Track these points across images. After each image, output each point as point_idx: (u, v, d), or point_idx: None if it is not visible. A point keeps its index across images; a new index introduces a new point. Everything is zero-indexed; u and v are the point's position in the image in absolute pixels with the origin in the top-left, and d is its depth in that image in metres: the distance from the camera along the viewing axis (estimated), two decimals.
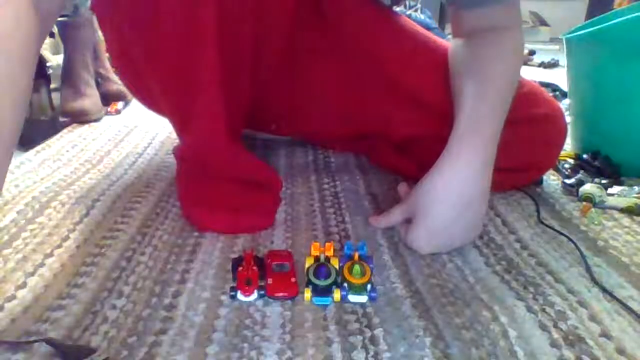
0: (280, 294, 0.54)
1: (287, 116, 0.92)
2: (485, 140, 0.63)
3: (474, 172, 0.62)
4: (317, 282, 0.54)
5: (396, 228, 0.69)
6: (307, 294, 0.54)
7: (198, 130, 0.64)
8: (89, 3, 1.26)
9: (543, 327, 0.51)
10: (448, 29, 1.03)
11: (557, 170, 0.92)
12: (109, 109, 1.31)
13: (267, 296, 0.54)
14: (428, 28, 1.16)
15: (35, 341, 0.47)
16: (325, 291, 0.54)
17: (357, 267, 0.55)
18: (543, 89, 0.85)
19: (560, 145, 0.83)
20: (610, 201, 0.78)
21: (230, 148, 0.66)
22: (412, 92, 0.79)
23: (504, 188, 0.82)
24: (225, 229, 0.68)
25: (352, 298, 0.54)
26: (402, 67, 0.80)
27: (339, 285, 0.55)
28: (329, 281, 0.54)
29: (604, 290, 0.57)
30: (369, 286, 0.54)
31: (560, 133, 0.81)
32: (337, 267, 0.56)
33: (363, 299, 0.54)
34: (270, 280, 0.55)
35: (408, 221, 0.66)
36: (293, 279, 0.55)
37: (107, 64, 1.42)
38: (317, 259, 0.57)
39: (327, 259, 0.57)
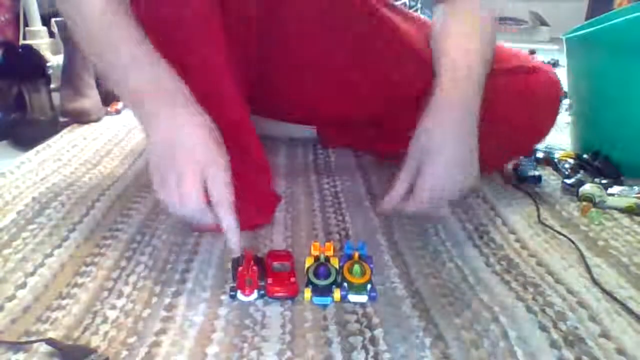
0: (280, 294, 0.54)
1: (287, 94, 0.91)
2: (473, 81, 0.65)
3: (466, 108, 0.64)
4: (317, 281, 0.54)
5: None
6: (307, 293, 0.54)
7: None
8: None
9: (543, 328, 0.51)
10: None
11: (557, 170, 0.92)
12: (109, 109, 1.31)
13: (267, 296, 0.54)
14: None
15: (35, 341, 0.47)
16: (325, 291, 0.54)
17: (357, 267, 0.55)
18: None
19: (554, 99, 0.84)
20: (610, 201, 0.78)
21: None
22: (409, 49, 0.82)
23: (509, 152, 0.84)
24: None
25: (352, 298, 0.54)
26: (396, 26, 0.83)
27: (339, 285, 0.55)
28: (329, 281, 0.54)
29: (604, 290, 0.57)
30: (368, 286, 0.54)
31: (552, 85, 0.83)
32: (337, 266, 0.56)
33: (363, 298, 0.54)
34: (270, 280, 0.55)
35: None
36: (293, 279, 0.55)
37: None
38: (317, 258, 0.57)
39: (327, 258, 0.57)
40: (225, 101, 0.65)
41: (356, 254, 0.57)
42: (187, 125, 0.56)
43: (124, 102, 0.63)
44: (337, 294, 0.54)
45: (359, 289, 0.54)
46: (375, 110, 0.88)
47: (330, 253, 0.58)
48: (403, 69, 0.82)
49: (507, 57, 0.83)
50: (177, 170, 0.54)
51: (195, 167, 0.54)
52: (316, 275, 0.55)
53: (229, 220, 0.55)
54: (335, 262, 0.57)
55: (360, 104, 0.88)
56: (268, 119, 1.05)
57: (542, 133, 0.87)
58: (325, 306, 0.54)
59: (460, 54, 0.68)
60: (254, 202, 0.70)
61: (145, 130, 0.58)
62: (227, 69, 0.65)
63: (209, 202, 0.55)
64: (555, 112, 0.85)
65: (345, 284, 0.54)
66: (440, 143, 0.61)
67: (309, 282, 0.55)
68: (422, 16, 0.92)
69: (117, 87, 0.61)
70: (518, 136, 0.82)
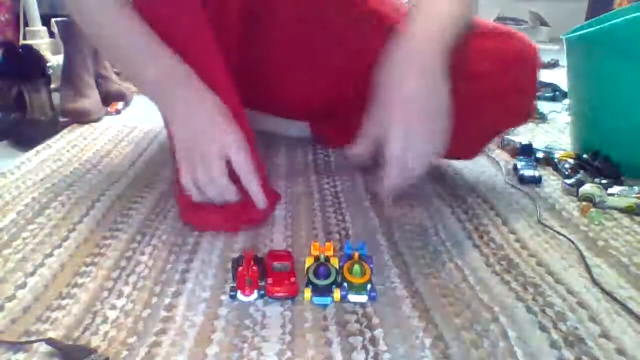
0: (280, 294, 0.54)
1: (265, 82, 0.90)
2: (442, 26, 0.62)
3: (434, 52, 0.60)
4: (316, 281, 0.54)
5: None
6: (307, 293, 0.54)
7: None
8: None
9: (543, 328, 0.51)
10: None
11: (557, 170, 0.92)
12: (109, 109, 1.31)
13: (267, 296, 0.54)
14: None
15: (35, 341, 0.47)
16: (325, 291, 0.54)
17: (357, 267, 0.55)
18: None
19: (532, 65, 0.79)
20: (610, 201, 0.78)
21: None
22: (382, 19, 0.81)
23: (490, 118, 0.79)
24: (223, 226, 0.68)
25: (352, 298, 0.54)
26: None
27: (339, 285, 0.55)
28: (329, 281, 0.54)
29: (604, 290, 0.57)
30: (368, 286, 0.54)
31: (524, 49, 0.78)
32: (337, 266, 0.56)
33: (363, 298, 0.54)
34: (270, 280, 0.55)
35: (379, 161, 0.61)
36: (293, 279, 0.55)
37: (108, 64, 1.42)
38: (317, 258, 0.57)
39: (327, 258, 0.57)
40: (220, 93, 0.66)
41: (356, 254, 0.57)
42: (203, 107, 0.63)
43: (143, 93, 0.70)
44: (337, 294, 0.54)
45: (358, 289, 0.54)
46: (363, 96, 0.87)
47: (330, 253, 0.58)
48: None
49: (481, 24, 0.80)
50: (201, 155, 0.61)
51: (217, 149, 0.61)
52: (316, 275, 0.55)
53: (255, 188, 0.64)
54: (335, 262, 0.57)
55: (346, 89, 0.87)
56: (260, 113, 1.06)
57: (523, 104, 0.81)
58: (325, 306, 0.54)
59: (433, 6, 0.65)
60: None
61: (165, 115, 0.66)
62: (220, 59, 0.66)
63: (232, 178, 0.62)
64: (534, 78, 0.80)
65: (345, 284, 0.54)
66: (408, 89, 0.58)
67: (309, 282, 0.55)
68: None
69: (135, 79, 0.73)
70: (498, 101, 0.77)
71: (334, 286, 0.55)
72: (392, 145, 0.57)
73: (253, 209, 0.69)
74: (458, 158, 0.89)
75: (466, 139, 0.77)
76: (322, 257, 0.57)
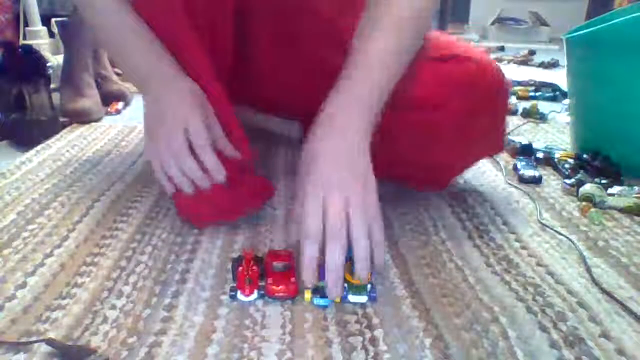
0: (280, 294, 0.54)
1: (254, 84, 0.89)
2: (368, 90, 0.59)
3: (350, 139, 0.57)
4: (317, 283, 0.54)
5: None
6: (307, 294, 0.54)
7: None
8: None
9: (543, 328, 0.51)
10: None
11: (557, 170, 0.92)
12: (109, 109, 1.31)
13: (267, 296, 0.54)
14: None
15: (36, 341, 0.47)
16: (325, 292, 0.54)
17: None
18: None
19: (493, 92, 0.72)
20: (610, 201, 0.78)
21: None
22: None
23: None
24: (218, 217, 0.68)
25: (352, 298, 0.54)
26: (338, 14, 0.78)
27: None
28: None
29: (604, 291, 0.57)
30: (369, 286, 0.54)
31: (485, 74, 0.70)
32: None
33: (363, 299, 0.54)
34: (270, 280, 0.55)
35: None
36: (293, 279, 0.55)
37: (108, 64, 1.42)
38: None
39: None
40: (200, 76, 0.67)
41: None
42: (176, 90, 0.64)
43: (132, 83, 0.76)
44: (307, 294, 0.54)
45: (358, 290, 0.54)
46: None
47: None
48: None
49: (437, 44, 0.73)
50: (165, 129, 0.63)
51: (180, 123, 0.62)
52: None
53: (210, 158, 0.63)
54: None
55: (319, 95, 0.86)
56: (259, 114, 1.06)
57: (489, 134, 0.75)
58: (325, 307, 0.54)
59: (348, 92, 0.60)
60: (244, 186, 0.70)
61: (143, 99, 0.68)
62: (200, 47, 0.67)
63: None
64: (500, 105, 0.74)
65: (346, 285, 0.54)
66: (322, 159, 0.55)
67: (317, 289, 0.55)
68: None
69: (125, 69, 0.75)
70: (458, 130, 0.70)
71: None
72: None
73: (247, 197, 0.69)
74: (427, 189, 0.82)
75: (429, 170, 0.75)
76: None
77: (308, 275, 0.52)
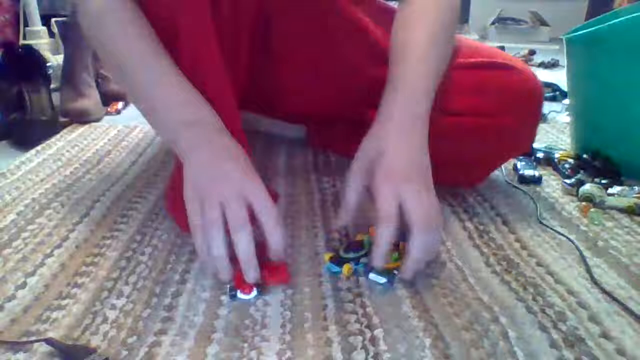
0: (274, 280, 0.56)
1: (271, 91, 0.90)
2: (419, 94, 0.62)
3: (409, 133, 0.60)
4: (342, 254, 0.61)
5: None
6: (327, 257, 0.60)
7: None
8: None
9: (543, 328, 0.51)
10: None
11: (557, 170, 0.92)
12: (109, 109, 1.31)
13: (264, 285, 0.56)
14: None
15: (35, 341, 0.47)
16: (343, 263, 0.59)
17: (395, 255, 0.59)
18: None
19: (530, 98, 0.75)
20: (610, 201, 0.78)
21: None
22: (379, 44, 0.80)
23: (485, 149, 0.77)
24: None
25: (372, 277, 0.58)
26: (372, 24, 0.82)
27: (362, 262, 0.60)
28: (355, 255, 0.60)
29: (604, 290, 0.57)
30: (395, 272, 0.58)
31: (524, 81, 0.75)
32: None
33: (381, 280, 0.57)
34: (265, 272, 0.55)
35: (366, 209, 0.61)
36: (285, 268, 0.57)
37: None
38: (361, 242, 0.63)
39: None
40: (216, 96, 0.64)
41: (402, 244, 0.59)
42: (228, 157, 0.56)
43: (154, 127, 0.64)
44: (346, 268, 0.59)
45: (383, 272, 0.57)
46: (355, 107, 0.88)
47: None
48: (371, 68, 0.81)
49: (480, 52, 0.78)
50: (219, 199, 0.52)
51: (239, 196, 0.53)
52: (346, 250, 0.61)
53: (277, 243, 0.55)
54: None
55: (336, 103, 0.88)
56: (259, 116, 1.06)
57: (526, 136, 0.79)
58: (336, 274, 0.59)
59: (410, 85, 0.63)
60: None
61: (185, 160, 0.57)
62: (221, 63, 0.64)
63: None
64: (538, 114, 0.77)
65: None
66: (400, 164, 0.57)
67: (337, 257, 0.60)
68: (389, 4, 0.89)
69: (156, 127, 0.63)
70: (501, 135, 0.75)
71: (353, 262, 0.59)
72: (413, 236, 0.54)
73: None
74: (464, 185, 0.86)
75: (468, 169, 0.81)
76: (366, 239, 0.63)
77: (380, 255, 0.55)
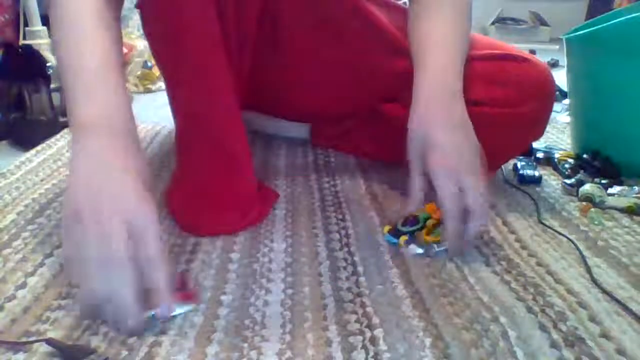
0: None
1: (280, 90, 0.91)
2: (451, 75, 0.66)
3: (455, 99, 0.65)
4: (400, 227, 0.66)
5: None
6: (386, 229, 0.67)
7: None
8: None
9: (543, 328, 0.51)
10: None
11: (557, 170, 0.92)
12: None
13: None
14: None
15: (36, 341, 0.47)
16: (399, 235, 0.65)
17: (438, 230, 0.65)
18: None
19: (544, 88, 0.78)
20: (610, 201, 0.78)
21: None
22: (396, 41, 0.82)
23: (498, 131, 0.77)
24: (220, 230, 0.68)
25: (411, 247, 0.63)
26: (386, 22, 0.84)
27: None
28: (411, 229, 0.66)
29: (604, 290, 0.57)
30: (435, 245, 0.63)
31: (538, 74, 0.78)
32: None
33: (419, 250, 0.63)
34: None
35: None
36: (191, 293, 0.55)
37: None
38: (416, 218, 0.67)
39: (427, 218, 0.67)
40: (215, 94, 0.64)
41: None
42: (117, 167, 0.49)
43: (69, 128, 0.53)
44: (401, 240, 0.65)
45: (423, 244, 0.63)
46: (362, 104, 0.89)
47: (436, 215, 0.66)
48: (387, 61, 0.83)
49: (493, 45, 0.82)
50: (98, 217, 0.45)
51: (122, 216, 0.46)
52: (404, 224, 0.66)
53: (163, 283, 0.47)
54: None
55: (349, 99, 0.89)
56: (263, 116, 1.06)
57: (539, 128, 0.82)
58: (394, 244, 0.65)
59: (439, 62, 0.67)
60: (234, 205, 0.69)
61: (69, 163, 0.50)
62: (224, 64, 0.64)
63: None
64: (551, 105, 0.80)
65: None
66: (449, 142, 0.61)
67: (396, 230, 0.66)
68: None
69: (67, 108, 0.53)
70: (515, 128, 0.78)
71: (409, 235, 0.65)
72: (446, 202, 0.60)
73: (233, 218, 0.68)
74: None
75: (487, 157, 0.81)
76: (422, 216, 0.67)
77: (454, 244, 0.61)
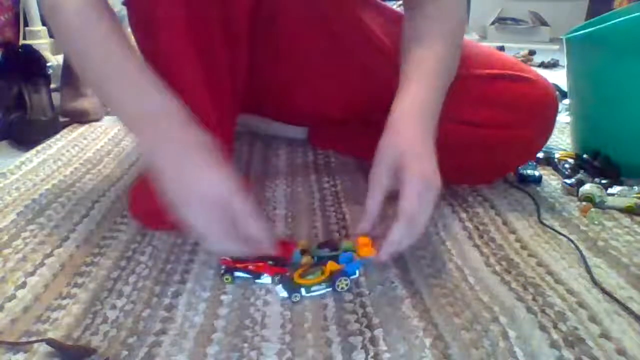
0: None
1: (279, 93, 0.90)
2: (431, 106, 0.63)
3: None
4: (313, 248, 0.62)
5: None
6: (300, 244, 0.62)
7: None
8: None
9: (543, 328, 0.51)
10: None
11: (557, 170, 0.92)
12: (108, 109, 1.31)
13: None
14: None
15: (35, 341, 0.47)
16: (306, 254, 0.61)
17: (318, 273, 0.57)
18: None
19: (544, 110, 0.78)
20: (610, 201, 0.78)
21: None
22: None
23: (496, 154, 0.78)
24: None
25: (278, 288, 0.56)
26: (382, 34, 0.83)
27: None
28: (326, 254, 0.60)
29: (604, 291, 0.57)
30: (303, 290, 0.55)
31: (541, 95, 0.77)
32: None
33: (284, 294, 0.55)
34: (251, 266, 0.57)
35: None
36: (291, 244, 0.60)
37: None
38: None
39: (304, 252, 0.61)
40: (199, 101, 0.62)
41: (329, 263, 0.57)
42: (193, 152, 0.52)
43: (126, 129, 0.57)
44: (305, 258, 0.60)
45: (291, 285, 0.56)
46: (359, 110, 0.89)
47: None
48: (379, 73, 0.82)
49: (496, 63, 0.80)
50: (197, 212, 0.50)
51: (219, 209, 0.50)
52: (323, 247, 0.62)
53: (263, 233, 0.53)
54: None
55: (345, 104, 0.88)
56: (263, 118, 1.06)
57: (540, 144, 0.82)
58: (293, 265, 0.59)
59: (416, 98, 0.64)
60: None
61: (150, 159, 0.53)
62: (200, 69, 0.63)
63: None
64: (552, 124, 0.80)
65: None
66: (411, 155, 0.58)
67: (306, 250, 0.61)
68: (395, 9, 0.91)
69: (116, 113, 0.58)
70: (515, 146, 0.78)
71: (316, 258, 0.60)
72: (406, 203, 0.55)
73: None
74: (476, 184, 0.87)
75: (481, 174, 0.84)
76: (344, 245, 0.61)
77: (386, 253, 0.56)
